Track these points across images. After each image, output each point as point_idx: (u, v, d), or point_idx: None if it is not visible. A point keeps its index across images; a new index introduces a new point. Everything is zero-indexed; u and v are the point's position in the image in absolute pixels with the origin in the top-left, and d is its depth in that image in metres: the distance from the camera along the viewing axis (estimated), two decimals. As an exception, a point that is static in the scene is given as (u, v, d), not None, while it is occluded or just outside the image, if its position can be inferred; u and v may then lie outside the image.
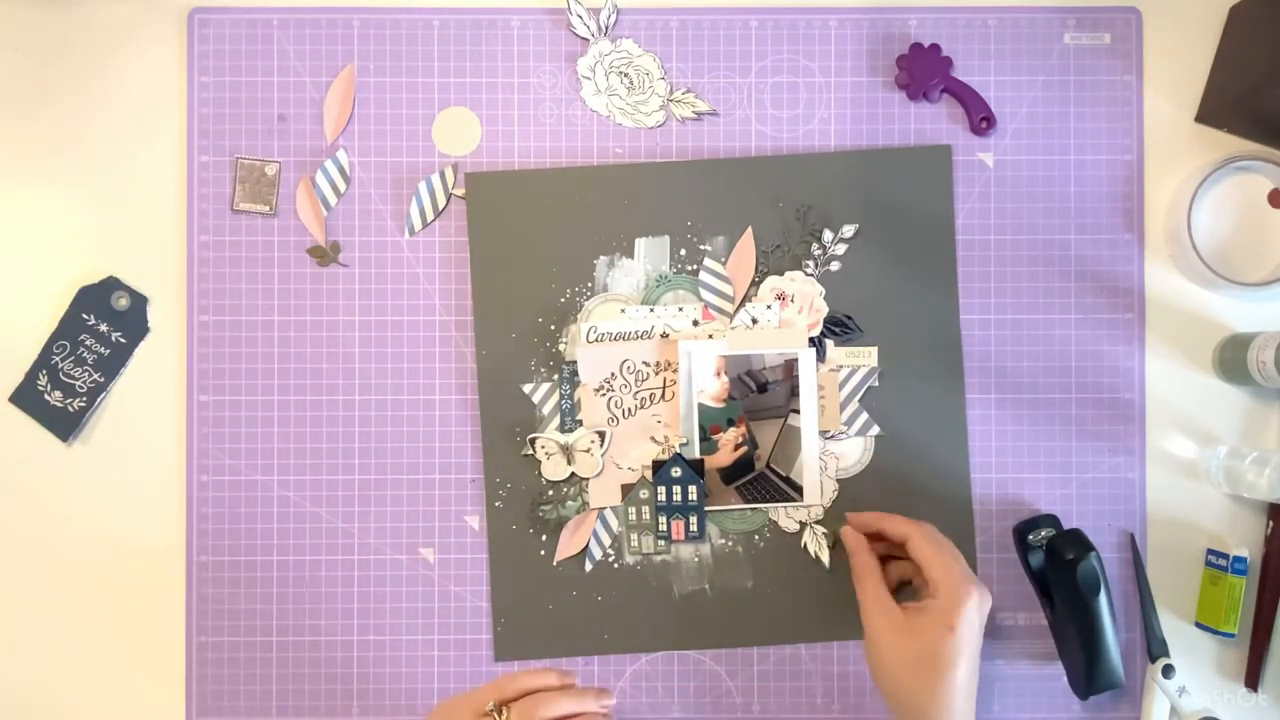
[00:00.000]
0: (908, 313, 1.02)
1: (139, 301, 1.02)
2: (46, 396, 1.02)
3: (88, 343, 1.02)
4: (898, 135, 1.03)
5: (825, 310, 1.01)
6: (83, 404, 1.02)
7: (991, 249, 1.03)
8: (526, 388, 1.02)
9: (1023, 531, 1.01)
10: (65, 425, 1.02)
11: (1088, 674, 0.96)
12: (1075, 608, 0.96)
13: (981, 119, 1.02)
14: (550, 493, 1.02)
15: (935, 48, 1.02)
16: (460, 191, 1.02)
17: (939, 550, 0.92)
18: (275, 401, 1.02)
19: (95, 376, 1.02)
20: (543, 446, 1.01)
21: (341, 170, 1.02)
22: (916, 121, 1.03)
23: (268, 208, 1.02)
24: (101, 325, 1.02)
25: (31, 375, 1.02)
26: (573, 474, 1.01)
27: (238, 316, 1.02)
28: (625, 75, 1.03)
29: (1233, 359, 0.99)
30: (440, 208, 1.02)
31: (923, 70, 1.02)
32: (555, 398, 1.02)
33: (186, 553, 1.02)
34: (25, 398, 1.02)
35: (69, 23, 1.03)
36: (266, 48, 1.03)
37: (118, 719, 1.02)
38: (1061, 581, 0.96)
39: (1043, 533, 1.00)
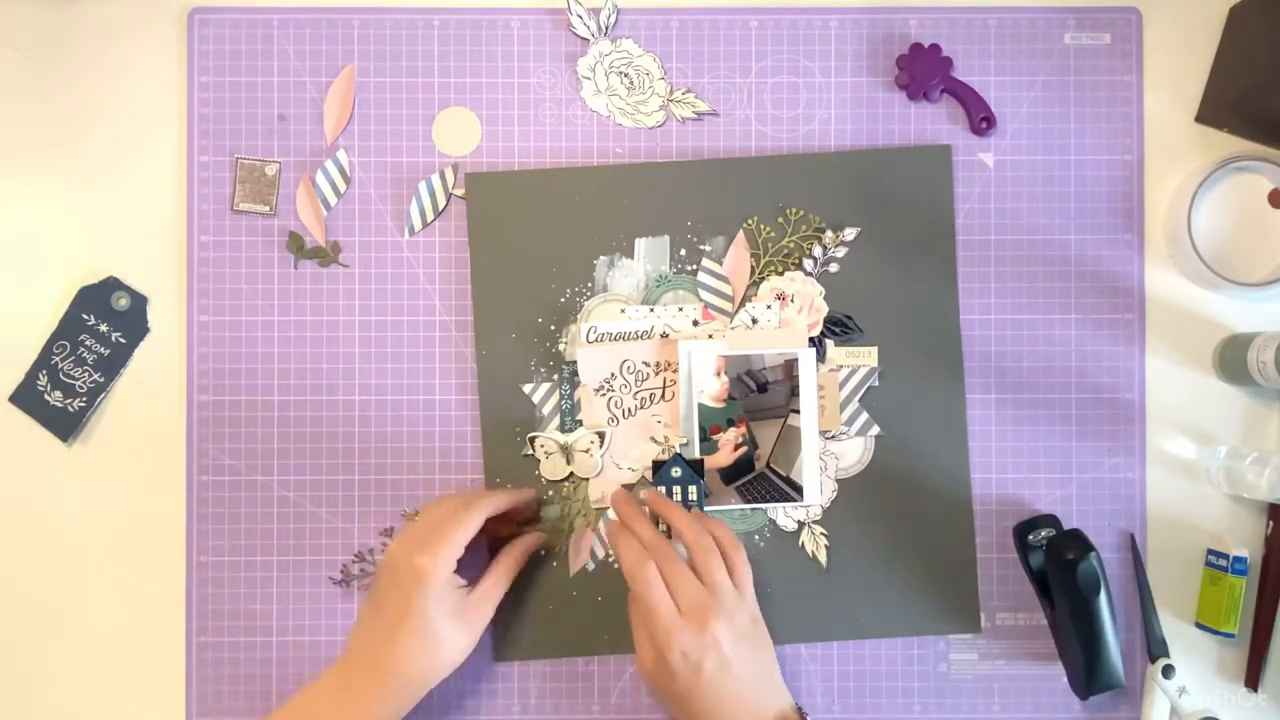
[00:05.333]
0: (908, 313, 1.02)
1: (139, 301, 1.02)
2: (46, 396, 1.02)
3: (88, 343, 1.02)
4: (898, 135, 1.03)
5: (825, 310, 1.01)
6: (83, 404, 1.02)
7: (991, 249, 1.03)
8: (526, 388, 1.02)
9: (1023, 531, 1.01)
10: (65, 425, 1.02)
11: (1088, 674, 0.96)
12: (1075, 608, 0.95)
13: (981, 119, 1.02)
14: (550, 493, 1.02)
15: (935, 48, 1.02)
16: (460, 191, 1.02)
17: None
18: (275, 401, 1.02)
19: (95, 376, 1.02)
20: (542, 446, 1.01)
21: (341, 170, 1.02)
22: (916, 121, 1.03)
23: (268, 208, 1.02)
24: (101, 325, 1.02)
25: (31, 375, 1.02)
26: (572, 474, 1.01)
27: (238, 316, 1.02)
28: (625, 75, 1.03)
29: (1233, 359, 0.99)
30: (440, 208, 1.02)
31: (923, 70, 1.02)
32: (555, 398, 1.02)
33: (186, 553, 1.02)
34: (25, 398, 1.02)
35: (69, 22, 1.03)
36: (266, 48, 1.03)
37: (118, 719, 1.02)
38: (1061, 581, 0.96)
39: (1043, 533, 1.00)
